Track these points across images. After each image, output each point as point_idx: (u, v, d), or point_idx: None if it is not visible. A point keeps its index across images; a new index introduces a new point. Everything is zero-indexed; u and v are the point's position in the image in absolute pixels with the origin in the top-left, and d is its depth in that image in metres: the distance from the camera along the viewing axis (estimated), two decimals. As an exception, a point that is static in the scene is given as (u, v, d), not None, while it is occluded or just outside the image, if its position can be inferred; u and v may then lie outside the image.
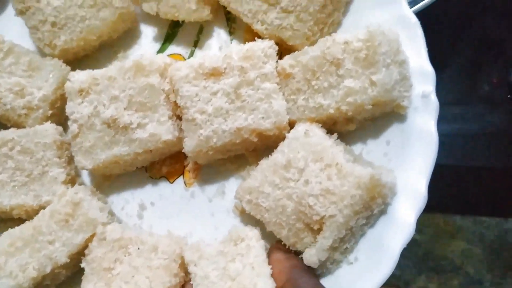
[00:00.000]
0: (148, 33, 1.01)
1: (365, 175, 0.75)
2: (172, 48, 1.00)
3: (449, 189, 1.42)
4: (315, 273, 0.80)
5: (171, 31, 1.00)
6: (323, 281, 0.82)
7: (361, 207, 0.76)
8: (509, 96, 1.37)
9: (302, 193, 0.78)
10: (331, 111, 0.81)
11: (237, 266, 0.77)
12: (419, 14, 1.14)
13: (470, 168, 1.38)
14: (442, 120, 1.41)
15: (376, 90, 0.78)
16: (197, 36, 0.99)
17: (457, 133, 1.38)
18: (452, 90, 1.41)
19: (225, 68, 0.85)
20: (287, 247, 0.82)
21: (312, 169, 0.79)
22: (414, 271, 1.45)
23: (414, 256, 1.45)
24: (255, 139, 0.84)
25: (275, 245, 0.82)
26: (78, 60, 1.01)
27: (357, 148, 0.87)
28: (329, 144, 0.80)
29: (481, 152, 1.38)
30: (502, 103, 1.38)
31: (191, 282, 0.80)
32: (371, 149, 0.86)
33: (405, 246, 0.80)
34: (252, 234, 0.81)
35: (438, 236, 1.44)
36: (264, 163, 0.84)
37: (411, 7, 1.17)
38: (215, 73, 0.85)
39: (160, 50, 1.00)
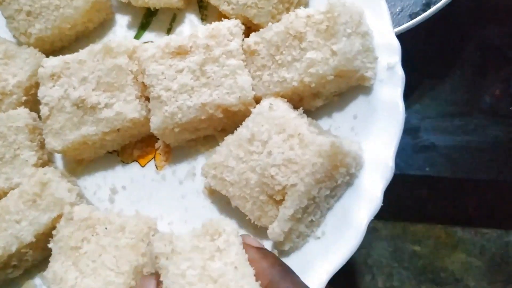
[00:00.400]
0: (123, 24, 1.03)
1: (325, 143, 0.74)
2: (147, 36, 1.01)
3: (450, 201, 1.40)
4: (294, 273, 0.74)
5: (146, 20, 1.02)
6: (291, 258, 0.81)
7: (323, 176, 0.75)
8: (511, 108, 1.36)
9: (265, 164, 0.77)
10: (295, 83, 0.81)
11: (218, 266, 0.71)
12: (420, 26, 1.16)
13: (471, 180, 1.35)
14: (443, 132, 1.41)
15: (337, 60, 0.78)
16: (170, 24, 1.01)
17: (459, 145, 1.36)
18: (454, 101, 1.40)
19: (191, 47, 0.85)
20: (252, 221, 0.80)
21: (275, 140, 0.78)
22: (414, 282, 1.41)
23: (413, 268, 1.41)
24: (221, 115, 0.84)
25: (244, 241, 0.75)
26: (55, 51, 1.02)
27: (325, 123, 0.86)
28: (292, 116, 0.79)
29: (483, 164, 1.35)
30: (504, 115, 1.36)
31: (161, 279, 0.72)
32: (339, 125, 0.85)
33: (372, 218, 0.78)
34: (230, 229, 0.74)
35: (438, 248, 1.41)
36: (229, 138, 0.83)
37: (411, 19, 1.18)
38: (181, 52, 0.86)
39: (135, 38, 1.01)
